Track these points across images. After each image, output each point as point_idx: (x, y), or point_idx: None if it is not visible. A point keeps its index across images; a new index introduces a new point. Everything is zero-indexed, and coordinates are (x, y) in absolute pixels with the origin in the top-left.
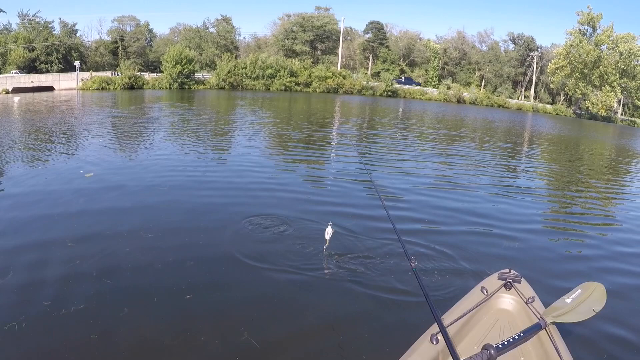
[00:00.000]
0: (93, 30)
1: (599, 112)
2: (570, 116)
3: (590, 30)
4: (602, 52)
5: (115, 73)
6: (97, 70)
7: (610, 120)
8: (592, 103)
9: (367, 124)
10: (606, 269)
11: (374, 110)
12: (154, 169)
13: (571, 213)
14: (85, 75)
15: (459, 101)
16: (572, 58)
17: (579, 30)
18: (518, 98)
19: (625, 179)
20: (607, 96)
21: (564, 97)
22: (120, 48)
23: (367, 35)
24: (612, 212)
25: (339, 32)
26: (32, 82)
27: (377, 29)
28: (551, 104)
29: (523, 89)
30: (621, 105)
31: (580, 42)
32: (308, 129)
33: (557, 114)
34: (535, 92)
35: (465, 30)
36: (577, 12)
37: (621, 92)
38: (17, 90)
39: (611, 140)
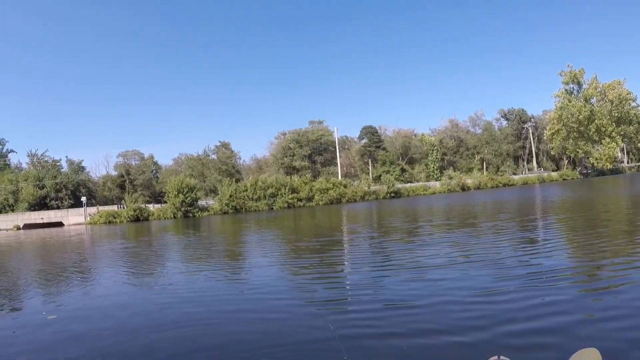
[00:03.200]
0: (100, 165)
1: (605, 166)
2: (577, 178)
3: (575, 87)
4: (592, 105)
5: (121, 206)
6: (106, 204)
7: (618, 171)
8: (596, 159)
9: (378, 229)
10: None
11: (380, 213)
12: (166, 298)
13: (579, 281)
14: (93, 210)
15: (463, 189)
16: (565, 119)
17: (565, 90)
18: (522, 172)
19: None
20: (608, 148)
21: (567, 161)
22: (127, 182)
23: (363, 141)
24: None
25: (335, 143)
26: (42, 218)
27: (371, 133)
28: (556, 170)
29: (525, 162)
30: (625, 153)
31: (570, 101)
32: (321, 241)
33: (564, 179)
34: (537, 162)
35: (457, 117)
36: (559, 73)
37: (622, 140)
38: (28, 226)
39: (625, 192)
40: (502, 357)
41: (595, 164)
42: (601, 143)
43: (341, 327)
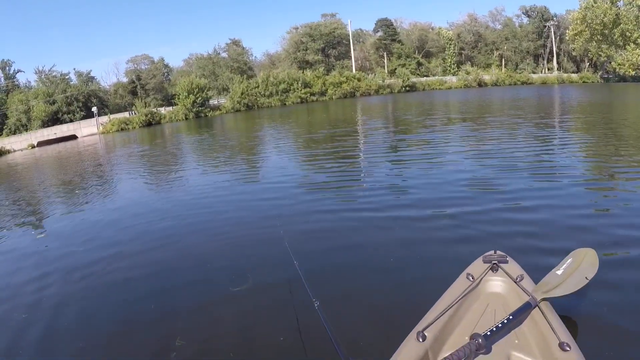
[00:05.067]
0: (110, 74)
1: (627, 73)
2: (598, 82)
3: None
4: (619, 9)
5: (132, 112)
6: (119, 111)
7: None
8: (619, 64)
9: (392, 122)
10: (609, 234)
11: (393, 107)
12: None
13: (587, 180)
14: (104, 119)
15: (480, 85)
16: (589, 21)
17: None
18: (541, 72)
19: None
20: (632, 54)
21: (588, 64)
22: (139, 87)
23: (378, 34)
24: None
25: (349, 36)
26: (55, 133)
27: (386, 26)
28: (576, 72)
29: (545, 62)
30: None
31: (595, 2)
32: (332, 132)
33: (584, 82)
34: (558, 62)
35: (476, 12)
36: None
37: None
38: (42, 144)
39: None
40: (498, 251)
41: (617, 69)
42: (625, 48)
43: (329, 207)
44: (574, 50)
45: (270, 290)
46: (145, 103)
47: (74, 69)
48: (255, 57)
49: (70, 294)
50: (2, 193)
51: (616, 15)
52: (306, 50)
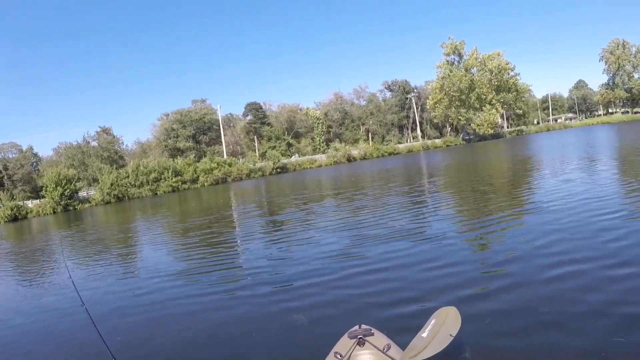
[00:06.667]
0: None
1: (486, 132)
2: (460, 144)
3: (457, 58)
4: (473, 75)
5: None
6: None
7: (499, 136)
8: (478, 125)
9: (264, 204)
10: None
11: (267, 189)
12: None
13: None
14: None
15: (349, 160)
16: (447, 89)
17: (447, 61)
18: (407, 141)
19: (519, 190)
20: (489, 114)
21: (450, 128)
22: (5, 177)
23: (248, 118)
24: (492, 230)
25: (219, 121)
26: None
27: (255, 110)
28: (439, 137)
29: (410, 131)
30: (505, 119)
31: (451, 71)
32: (205, 225)
33: (447, 145)
34: (422, 130)
35: (342, 90)
36: (441, 45)
37: (501, 106)
38: None
39: (504, 154)
40: (363, 325)
41: (477, 130)
42: (482, 110)
43: (180, 296)
44: (435, 117)
45: None
46: (12, 195)
47: None
48: (126, 145)
49: None
50: None
51: (471, 81)
52: (177, 137)
